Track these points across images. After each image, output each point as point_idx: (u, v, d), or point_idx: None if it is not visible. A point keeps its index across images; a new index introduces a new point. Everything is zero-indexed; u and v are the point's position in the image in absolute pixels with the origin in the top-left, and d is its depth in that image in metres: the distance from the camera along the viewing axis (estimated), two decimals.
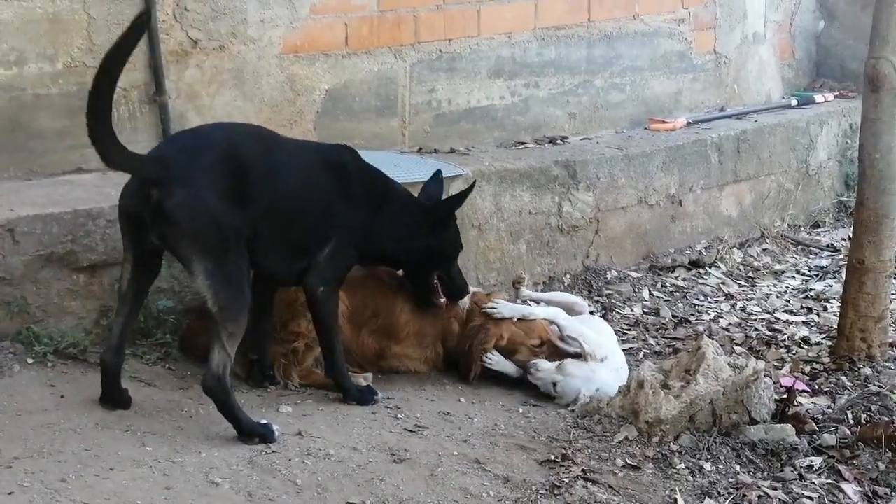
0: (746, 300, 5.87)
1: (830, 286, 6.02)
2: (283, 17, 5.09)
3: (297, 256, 3.86)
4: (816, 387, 4.51)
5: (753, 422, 3.86)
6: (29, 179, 4.43)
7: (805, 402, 4.27)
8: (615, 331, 4.86)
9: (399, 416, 3.92)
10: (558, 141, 6.20)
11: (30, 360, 3.91)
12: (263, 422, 3.59)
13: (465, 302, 4.46)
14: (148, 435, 3.50)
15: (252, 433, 3.52)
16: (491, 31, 5.92)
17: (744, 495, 3.50)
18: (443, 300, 4.35)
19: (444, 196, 4.39)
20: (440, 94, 5.79)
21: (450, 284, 4.33)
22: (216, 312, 3.46)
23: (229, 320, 3.47)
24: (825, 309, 5.68)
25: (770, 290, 6.06)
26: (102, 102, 3.33)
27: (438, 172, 4.44)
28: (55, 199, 4.17)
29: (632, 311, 5.52)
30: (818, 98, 7.73)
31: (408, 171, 5.08)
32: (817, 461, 3.74)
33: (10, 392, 3.68)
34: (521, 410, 4.12)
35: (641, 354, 4.95)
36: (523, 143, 6.07)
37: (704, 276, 6.17)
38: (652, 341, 5.15)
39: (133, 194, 3.52)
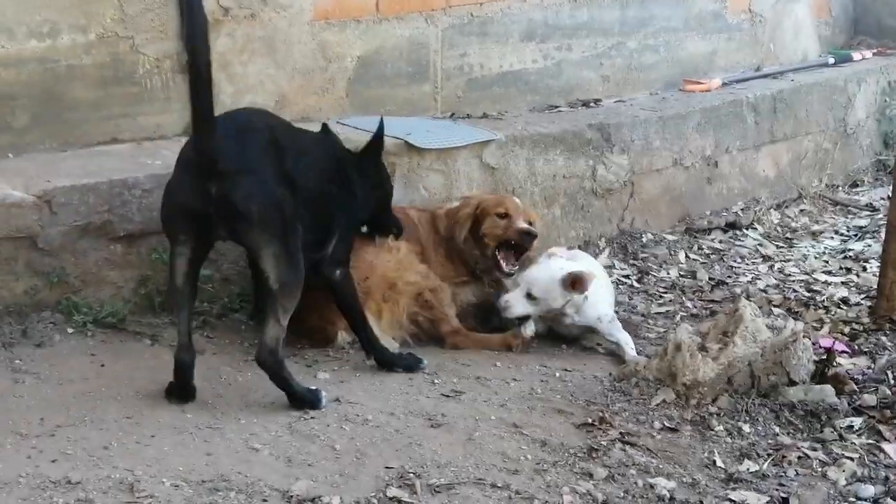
0: (784, 261, 5.82)
1: (869, 246, 5.96)
2: None
3: (316, 246, 3.77)
4: (856, 347, 4.47)
5: (792, 383, 3.83)
6: (64, 150, 4.45)
7: (844, 362, 4.23)
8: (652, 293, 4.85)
9: (435, 381, 3.93)
10: (592, 104, 6.15)
11: (70, 330, 3.95)
12: (312, 387, 3.62)
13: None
14: (188, 403, 3.52)
15: (303, 400, 3.55)
16: None
17: (783, 456, 3.48)
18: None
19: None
20: (472, 58, 5.75)
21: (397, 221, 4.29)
22: (276, 289, 3.45)
23: (287, 297, 3.49)
24: (864, 269, 5.62)
25: (808, 250, 6.00)
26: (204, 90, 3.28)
27: (380, 122, 4.12)
28: (91, 169, 4.19)
29: (668, 273, 5.50)
30: (855, 56, 7.63)
31: (441, 136, 5.06)
32: (857, 422, 3.72)
33: (51, 361, 3.73)
34: (557, 375, 4.11)
35: (678, 317, 4.92)
36: (556, 107, 6.04)
37: (741, 238, 6.12)
38: (689, 304, 5.12)
39: (190, 192, 3.41)
